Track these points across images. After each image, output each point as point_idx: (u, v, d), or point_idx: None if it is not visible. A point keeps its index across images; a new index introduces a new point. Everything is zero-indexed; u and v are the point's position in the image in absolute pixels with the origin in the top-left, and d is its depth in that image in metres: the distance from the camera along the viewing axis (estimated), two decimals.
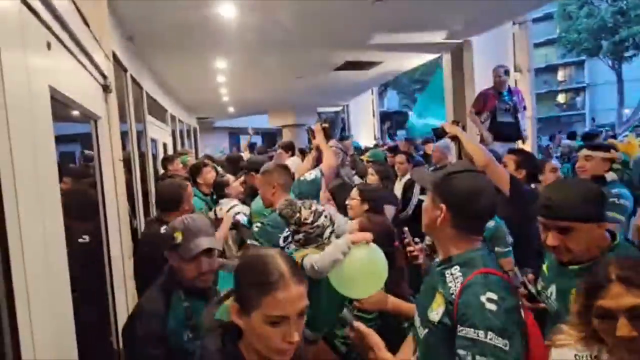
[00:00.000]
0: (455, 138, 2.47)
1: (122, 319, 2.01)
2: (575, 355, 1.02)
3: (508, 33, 5.55)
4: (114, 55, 2.70)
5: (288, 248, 2.25)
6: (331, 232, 1.97)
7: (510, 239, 2.23)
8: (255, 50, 5.13)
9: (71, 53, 1.35)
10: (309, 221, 1.92)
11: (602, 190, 1.42)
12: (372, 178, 3.83)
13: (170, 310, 1.46)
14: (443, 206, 1.19)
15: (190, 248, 1.44)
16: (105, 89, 1.91)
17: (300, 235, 1.93)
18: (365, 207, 2.59)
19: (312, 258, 1.66)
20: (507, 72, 4.62)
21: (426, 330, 1.19)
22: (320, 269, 1.59)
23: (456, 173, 1.23)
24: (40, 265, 0.95)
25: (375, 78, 7.83)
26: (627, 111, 22.96)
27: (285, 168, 2.52)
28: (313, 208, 1.96)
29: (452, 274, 1.17)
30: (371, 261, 1.37)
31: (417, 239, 1.93)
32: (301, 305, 0.95)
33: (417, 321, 1.25)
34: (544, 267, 1.57)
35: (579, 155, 2.62)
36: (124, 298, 2.12)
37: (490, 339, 1.01)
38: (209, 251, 1.48)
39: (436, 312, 1.15)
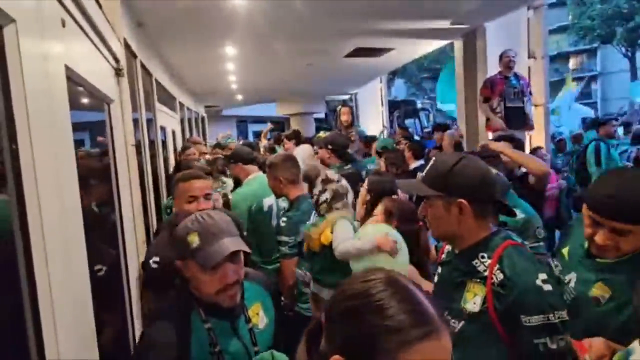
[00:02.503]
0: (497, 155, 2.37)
1: (137, 305, 2.01)
2: None
3: (522, 18, 5.41)
4: (125, 42, 2.67)
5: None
6: (353, 198, 2.10)
7: (542, 233, 2.12)
8: (266, 36, 5.07)
9: (85, 33, 1.32)
10: (335, 179, 2.03)
11: None
12: (381, 164, 3.81)
13: (192, 335, 1.16)
14: (462, 201, 1.15)
15: (212, 253, 1.12)
16: (118, 72, 1.89)
17: (327, 194, 2.00)
18: (368, 197, 2.58)
19: (350, 243, 1.81)
20: (515, 56, 4.61)
21: (462, 322, 1.15)
22: (346, 254, 1.81)
23: (456, 164, 1.17)
24: (60, 258, 0.94)
25: (385, 65, 7.72)
26: None
27: (292, 160, 2.48)
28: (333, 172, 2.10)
29: (480, 261, 1.16)
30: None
31: None
32: None
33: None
34: (564, 251, 1.49)
35: None
36: (138, 285, 2.12)
37: (559, 317, 1.06)
38: (234, 255, 1.16)
39: (473, 302, 1.13)
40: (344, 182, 2.08)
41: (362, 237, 1.83)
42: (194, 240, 1.14)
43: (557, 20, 24.44)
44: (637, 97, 11.11)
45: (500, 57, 4.56)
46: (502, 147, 2.33)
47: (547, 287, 1.07)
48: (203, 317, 1.17)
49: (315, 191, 2.05)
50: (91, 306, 1.15)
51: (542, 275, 1.08)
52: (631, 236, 1.18)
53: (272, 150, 5.75)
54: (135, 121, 3.39)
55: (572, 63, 28.81)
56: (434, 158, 1.26)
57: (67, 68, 1.07)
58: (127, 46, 2.90)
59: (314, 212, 2.31)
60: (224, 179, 3.60)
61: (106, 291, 1.83)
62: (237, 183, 3.33)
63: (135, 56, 3.46)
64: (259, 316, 1.31)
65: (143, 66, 3.84)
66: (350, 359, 0.61)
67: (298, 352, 0.73)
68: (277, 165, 2.40)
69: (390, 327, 0.59)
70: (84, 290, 1.13)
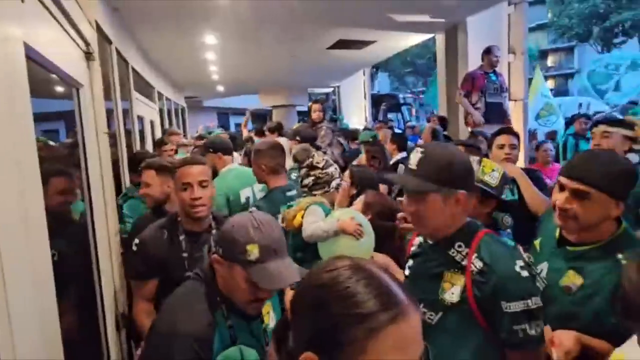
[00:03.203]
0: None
1: (108, 298, 1.94)
2: None
3: (503, 14, 5.45)
4: (98, 26, 2.56)
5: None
6: (338, 185, 2.11)
7: (509, 221, 2.15)
8: (248, 25, 4.97)
9: (49, 11, 1.24)
10: (320, 165, 2.06)
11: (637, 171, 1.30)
12: (362, 158, 3.80)
13: (217, 331, 1.11)
14: (462, 192, 1.14)
15: (270, 277, 1.07)
16: (88, 56, 1.80)
17: (310, 179, 2.05)
18: (353, 190, 2.54)
19: (316, 225, 1.85)
20: (500, 55, 4.70)
21: (440, 313, 1.15)
22: (312, 236, 1.86)
23: (454, 156, 1.16)
24: (19, 256, 0.88)
25: (368, 58, 7.70)
26: None
27: (277, 148, 2.42)
28: (325, 157, 2.12)
29: (457, 250, 1.15)
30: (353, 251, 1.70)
31: None
32: (421, 346, 0.61)
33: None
34: (536, 242, 1.52)
35: (595, 132, 2.33)
36: (111, 278, 2.05)
37: (535, 303, 1.06)
38: None
39: (451, 292, 1.12)
40: (331, 169, 2.09)
41: (327, 220, 1.88)
42: (254, 251, 1.08)
43: (536, 18, 24.87)
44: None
45: (487, 53, 4.58)
46: (517, 174, 2.21)
47: (525, 274, 1.08)
48: (226, 313, 1.13)
49: (300, 173, 2.11)
50: (55, 303, 1.09)
51: (520, 262, 1.10)
52: (589, 203, 1.22)
53: (250, 141, 5.67)
54: (110, 110, 3.28)
55: (551, 60, 29.42)
56: (421, 150, 1.17)
57: (27, 47, 1.00)
58: (100, 30, 2.79)
59: (287, 203, 2.29)
60: None
61: (75, 287, 1.76)
62: (215, 174, 3.26)
63: (110, 42, 3.33)
64: (270, 316, 1.28)
65: (118, 53, 3.71)
66: (321, 352, 0.58)
67: (268, 352, 0.70)
68: (261, 152, 2.36)
69: (357, 314, 0.57)
70: (46, 287, 1.07)
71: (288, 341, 0.66)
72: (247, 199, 2.83)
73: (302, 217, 1.96)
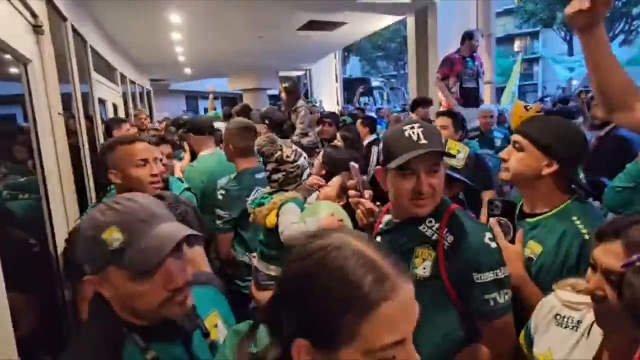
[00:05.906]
0: None
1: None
2: (556, 316, 1.00)
3: None
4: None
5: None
6: (308, 175, 1.97)
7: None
8: (214, 4, 4.78)
9: None
10: (290, 159, 1.88)
11: (585, 140, 1.35)
12: (337, 143, 3.78)
13: None
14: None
15: (150, 248, 0.78)
16: (37, 29, 1.66)
17: (280, 175, 1.88)
18: (322, 171, 2.50)
19: (297, 227, 1.71)
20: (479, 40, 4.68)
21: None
22: (292, 239, 1.68)
23: (387, 136, 1.21)
24: None
25: (339, 40, 7.63)
26: (575, 82, 24.05)
27: (248, 130, 2.33)
28: (294, 147, 1.93)
29: (427, 226, 1.15)
30: None
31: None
32: (417, 315, 0.60)
33: None
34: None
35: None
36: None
37: (504, 273, 1.11)
38: (176, 247, 0.81)
39: (422, 267, 1.13)
40: (301, 160, 1.94)
41: (307, 219, 1.76)
42: (114, 236, 0.78)
43: (503, 3, 25.26)
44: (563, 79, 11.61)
45: (469, 37, 4.54)
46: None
47: (494, 245, 1.12)
48: (142, 345, 0.82)
49: (269, 167, 1.93)
50: (7, 306, 1.01)
51: (488, 234, 1.13)
52: (522, 155, 1.30)
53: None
54: (68, 94, 3.09)
55: (517, 45, 30.06)
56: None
57: None
58: (52, 4, 2.59)
59: (256, 188, 2.23)
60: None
61: (32, 289, 1.66)
62: (194, 156, 3.14)
63: (64, 18, 3.12)
64: (218, 329, 0.98)
65: (75, 30, 3.48)
66: (312, 339, 0.57)
67: (238, 347, 0.66)
68: (231, 132, 2.29)
69: (349, 296, 0.55)
70: None
71: (283, 325, 0.61)
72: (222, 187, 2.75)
73: (277, 215, 1.83)
